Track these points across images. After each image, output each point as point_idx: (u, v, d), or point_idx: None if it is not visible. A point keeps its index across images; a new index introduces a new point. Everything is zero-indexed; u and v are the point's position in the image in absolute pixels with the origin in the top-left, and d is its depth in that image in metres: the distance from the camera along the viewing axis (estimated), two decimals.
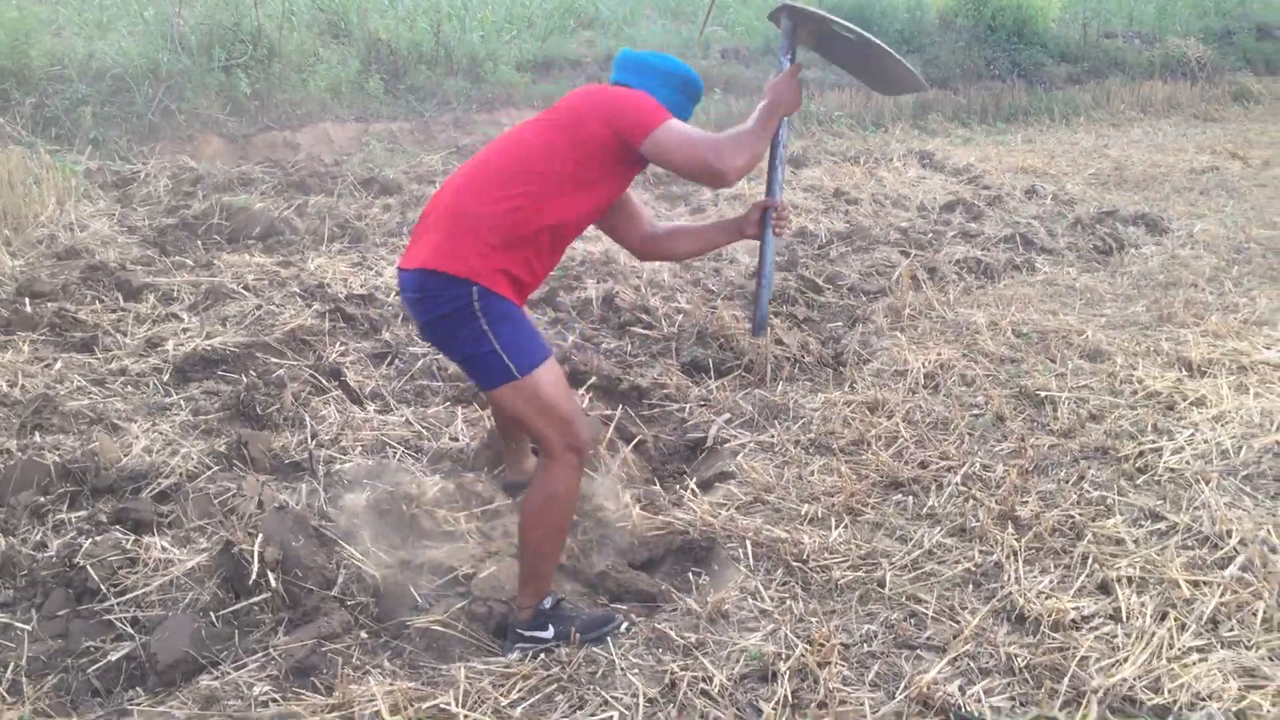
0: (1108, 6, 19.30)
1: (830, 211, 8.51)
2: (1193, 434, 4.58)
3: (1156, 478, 4.22)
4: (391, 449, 4.21)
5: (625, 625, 3.29)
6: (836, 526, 3.89)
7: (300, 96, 10.73)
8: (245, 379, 4.61)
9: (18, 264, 6.56)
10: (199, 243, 7.17)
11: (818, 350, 5.48)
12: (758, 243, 3.75)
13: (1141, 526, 3.86)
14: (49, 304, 5.69)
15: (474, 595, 3.32)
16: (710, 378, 5.20)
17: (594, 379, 4.93)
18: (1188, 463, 4.32)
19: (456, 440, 4.36)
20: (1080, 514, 3.91)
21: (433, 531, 3.65)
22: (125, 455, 4.01)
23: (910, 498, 4.12)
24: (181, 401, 4.63)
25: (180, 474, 3.91)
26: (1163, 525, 3.86)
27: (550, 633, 3.20)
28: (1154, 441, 4.50)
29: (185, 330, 5.58)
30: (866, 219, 8.31)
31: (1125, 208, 9.11)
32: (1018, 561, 3.60)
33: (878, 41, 3.42)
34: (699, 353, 5.36)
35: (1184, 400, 4.91)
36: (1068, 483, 4.18)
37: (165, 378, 4.90)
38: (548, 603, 3.23)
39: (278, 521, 3.44)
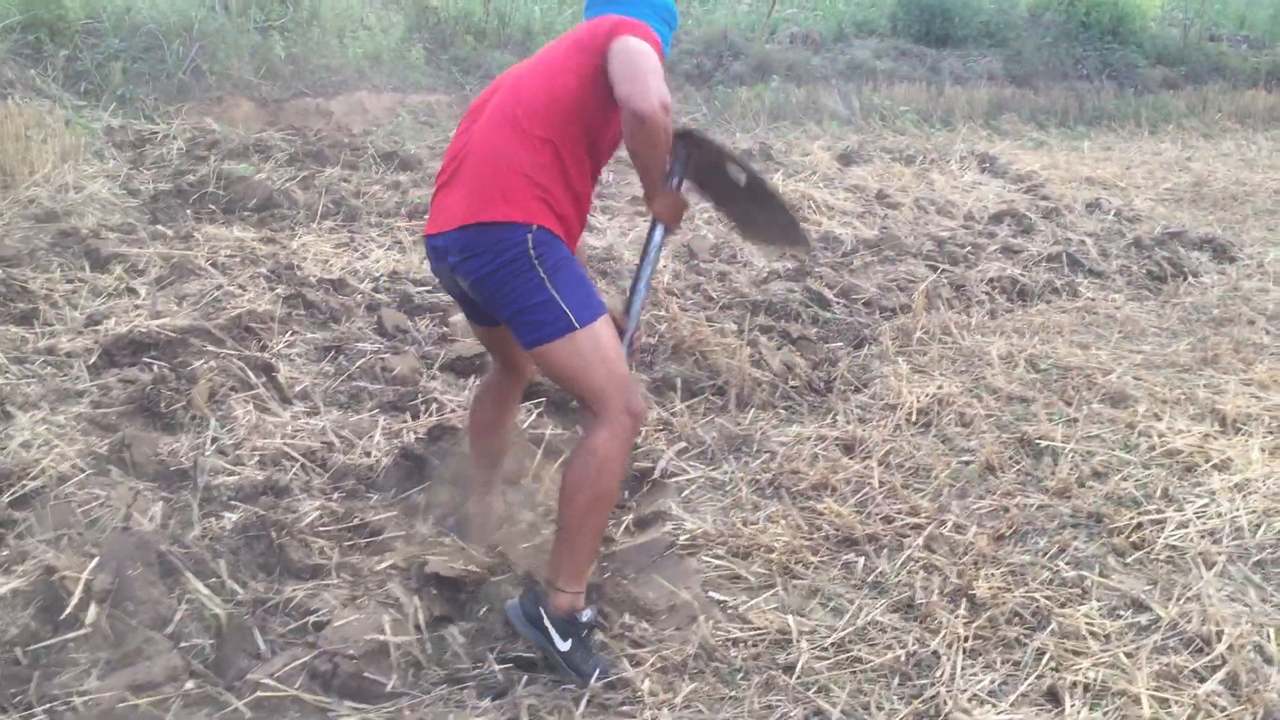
0: (1214, 8, 18.24)
1: (866, 215, 7.96)
2: (1207, 504, 4.01)
3: (1152, 556, 3.68)
4: (290, 462, 3.82)
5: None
6: (764, 592, 3.42)
7: (338, 63, 10.41)
8: (156, 370, 4.27)
9: None
10: (189, 212, 6.87)
11: (805, 373, 4.98)
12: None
13: (1118, 618, 3.32)
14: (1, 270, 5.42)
15: (320, 648, 2.92)
16: (677, 398, 4.73)
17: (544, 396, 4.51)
18: (1192, 540, 3.76)
19: (369, 455, 3.97)
20: (1049, 597, 3.39)
21: (300, 565, 3.26)
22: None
23: (862, 559, 3.63)
24: (95, 389, 4.30)
25: (51, 476, 3.57)
26: (1144, 618, 3.32)
27: (567, 647, 2.92)
28: (1158, 511, 3.94)
29: (137, 308, 5.26)
30: (903, 226, 7.74)
31: (1194, 229, 8.39)
32: (959, 653, 3.10)
33: (771, 189, 3.29)
34: (671, 369, 4.90)
35: (1206, 462, 4.34)
36: (1045, 555, 3.65)
37: (91, 360, 4.58)
38: (587, 615, 2.97)
39: (118, 544, 3.07)
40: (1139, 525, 3.84)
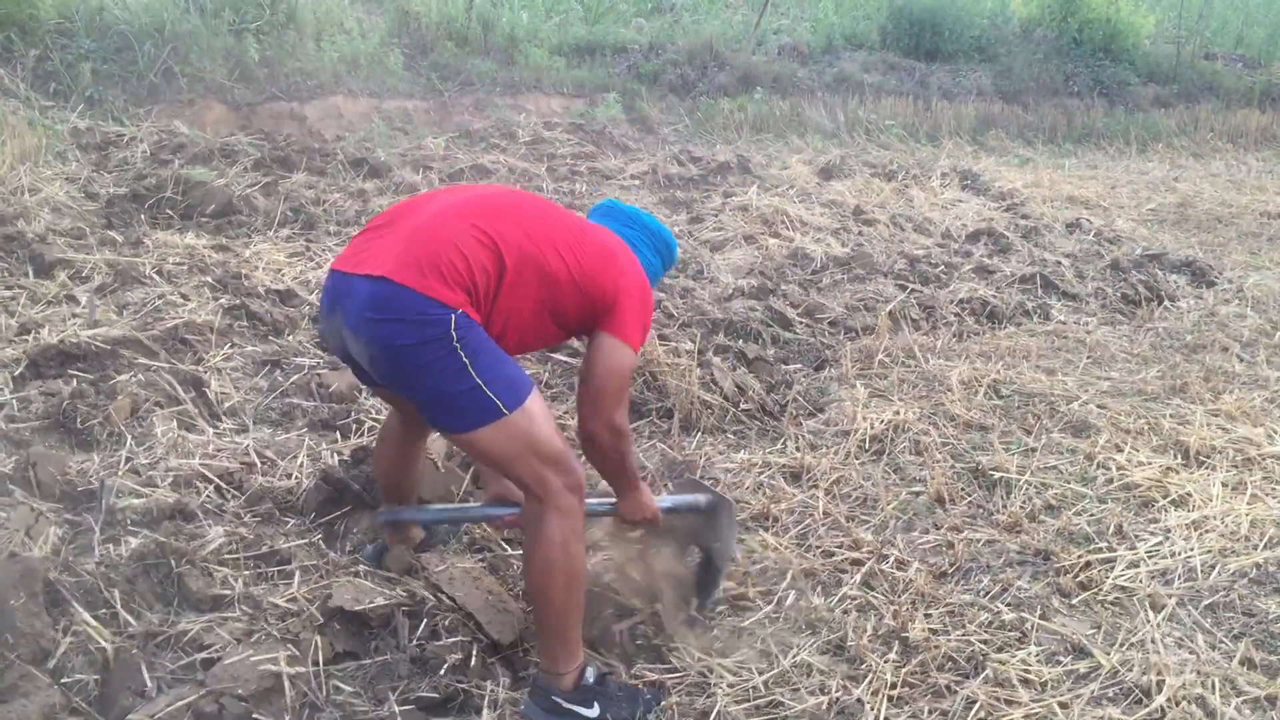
0: (1210, 26, 18.13)
1: (841, 232, 7.81)
2: (1160, 543, 3.86)
3: (1098, 597, 3.53)
4: (205, 484, 3.67)
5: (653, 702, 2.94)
6: (689, 631, 3.27)
7: (313, 67, 10.27)
8: (76, 384, 4.12)
9: None
10: (143, 216, 6.72)
11: (759, 396, 4.83)
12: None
13: (1056, 664, 3.17)
14: None
15: (208, 687, 2.76)
16: None
17: None
18: (1141, 581, 3.61)
19: (289, 478, 3.81)
20: (985, 640, 3.24)
21: (199, 596, 3.10)
22: None
23: (800, 594, 3.48)
24: (14, 401, 4.15)
25: None
26: (1083, 665, 3.17)
27: (595, 712, 2.83)
28: (1109, 549, 3.80)
29: (75, 317, 5.12)
30: (877, 244, 7.59)
31: (1175, 251, 8.25)
32: (884, 701, 2.96)
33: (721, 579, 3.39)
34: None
35: (1164, 497, 4.19)
36: (986, 595, 3.50)
37: (18, 371, 4.43)
38: (591, 675, 2.87)
39: (3, 571, 2.92)
40: (1087, 564, 3.69)
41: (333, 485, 3.66)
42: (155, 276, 5.59)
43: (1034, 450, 4.57)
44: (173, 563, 3.15)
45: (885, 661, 3.11)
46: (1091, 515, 4.05)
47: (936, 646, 3.18)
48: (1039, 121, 13.77)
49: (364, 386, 3.52)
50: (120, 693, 2.77)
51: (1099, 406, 5.05)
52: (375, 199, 7.59)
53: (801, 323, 5.82)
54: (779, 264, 6.85)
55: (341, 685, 2.90)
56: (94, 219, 6.72)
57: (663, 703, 2.94)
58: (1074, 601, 3.50)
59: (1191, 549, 3.81)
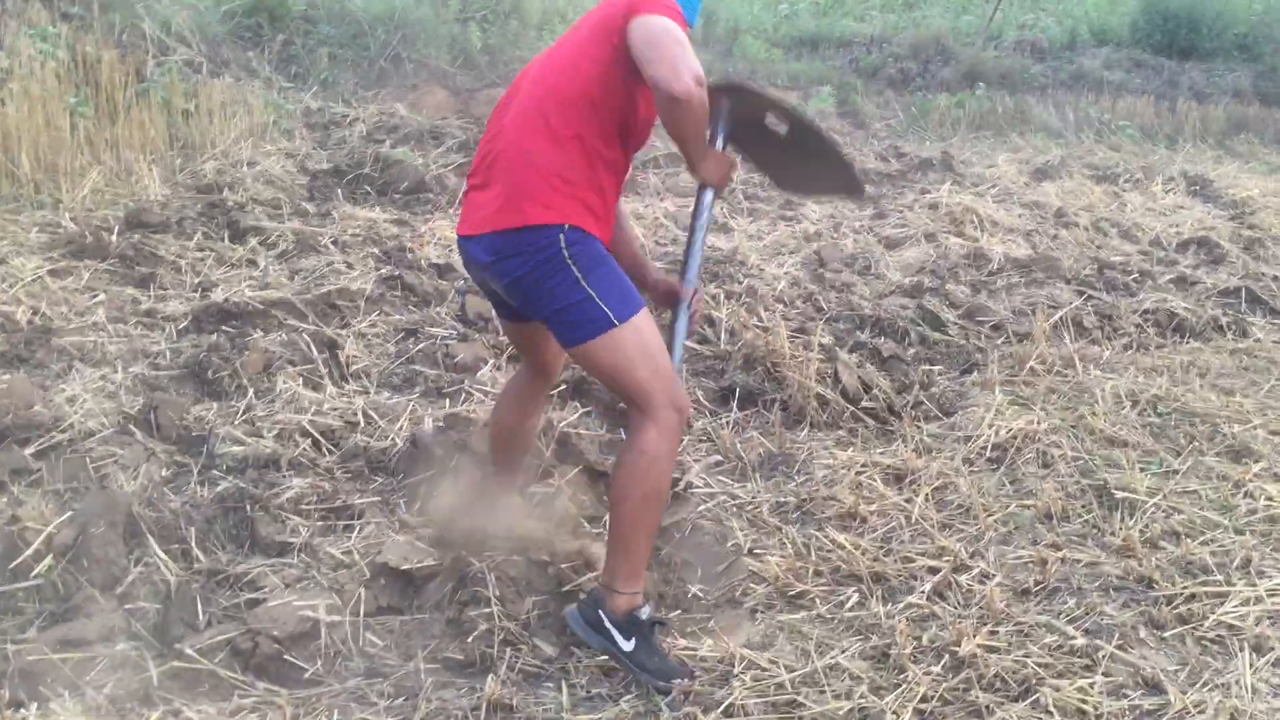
0: None
1: (1034, 234, 7.42)
2: None
3: (1196, 632, 3.24)
4: (303, 438, 3.87)
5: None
6: (741, 622, 3.21)
7: (531, 55, 10.56)
8: (215, 339, 4.43)
9: (161, 191, 6.74)
10: (339, 191, 7.13)
11: (884, 396, 4.68)
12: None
13: (1121, 697, 2.94)
14: (135, 235, 5.75)
15: (247, 625, 2.93)
16: (734, 409, 4.54)
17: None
18: (1252, 622, 3.29)
19: (386, 439, 3.97)
20: (1045, 664, 3.03)
21: (268, 541, 3.29)
22: (41, 402, 3.89)
23: (855, 598, 3.36)
24: (168, 352, 4.51)
25: (79, 431, 3.74)
26: (1151, 702, 2.92)
27: (631, 646, 2.90)
28: (1225, 582, 3.48)
29: (251, 279, 5.50)
30: (1070, 248, 7.18)
31: None
32: (911, 713, 2.82)
33: (817, 127, 3.22)
34: (739, 378, 4.70)
35: None
36: (1064, 616, 3.28)
37: (181, 325, 4.80)
38: (645, 613, 2.93)
39: (91, 501, 3.19)
40: (1192, 596, 3.39)
41: (418, 449, 3.80)
42: (330, 246, 5.92)
43: (1175, 473, 4.23)
44: (248, 508, 3.35)
45: (926, 674, 2.96)
46: (1220, 546, 3.72)
47: (987, 665, 3.00)
48: None
49: (507, 335, 3.74)
50: (174, 623, 2.98)
51: (1270, 432, 4.62)
52: None
53: (957, 324, 5.58)
54: (953, 263, 6.59)
55: (375, 639, 3.00)
56: (299, 191, 7.17)
57: (691, 681, 2.90)
58: (1165, 635, 3.23)
59: None
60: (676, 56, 2.70)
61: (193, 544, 3.22)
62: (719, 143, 3.18)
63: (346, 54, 10.20)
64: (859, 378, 4.70)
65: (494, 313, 3.48)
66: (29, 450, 3.60)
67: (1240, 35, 13.80)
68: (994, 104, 11.08)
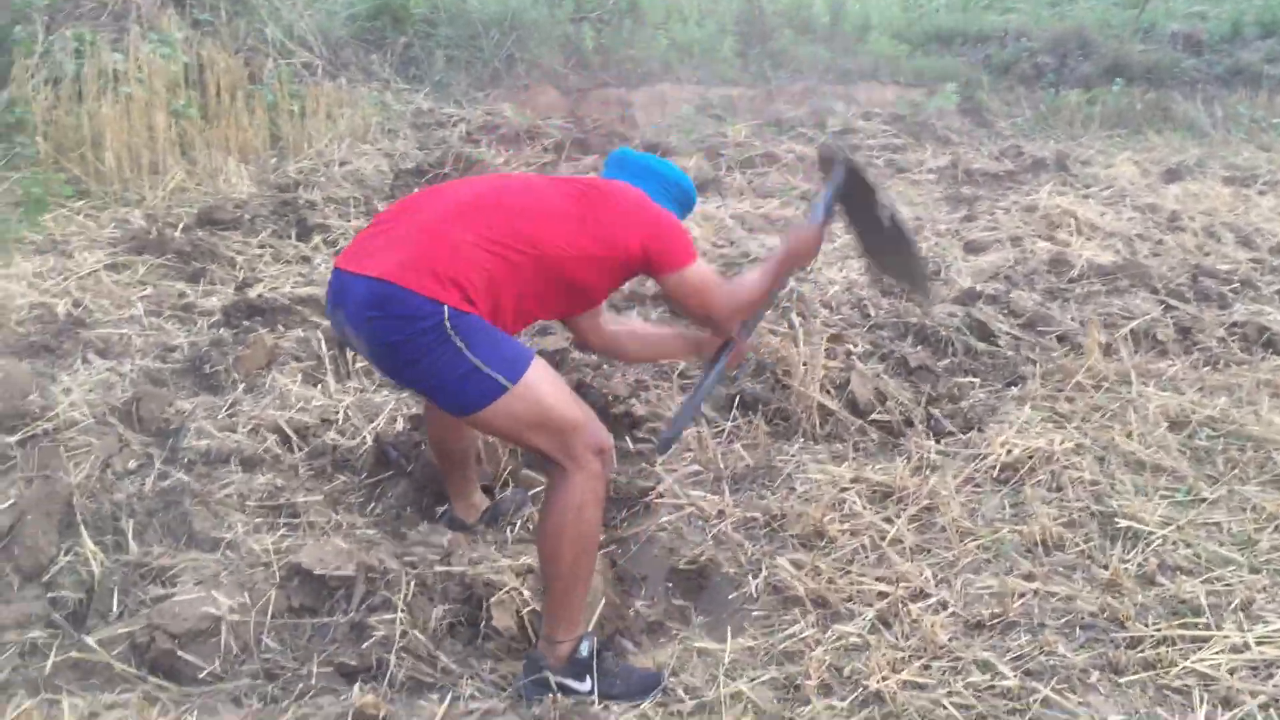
0: None
1: (1137, 239, 6.94)
2: None
3: (1159, 680, 2.94)
4: (271, 435, 3.91)
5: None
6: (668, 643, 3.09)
7: (644, 54, 10.55)
8: (219, 334, 4.54)
9: (248, 190, 6.99)
10: (415, 190, 7.23)
11: (901, 407, 4.44)
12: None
13: None
14: (200, 231, 5.96)
15: (150, 621, 2.97)
16: (734, 417, 4.38)
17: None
18: (1226, 671, 2.97)
19: (355, 438, 3.98)
20: (966, 705, 2.81)
21: (202, 536, 3.33)
22: (39, 392, 4.05)
23: (801, 623, 3.19)
24: (185, 345, 4.65)
25: (64, 420, 3.88)
26: None
27: (586, 686, 2.86)
28: (1208, 626, 3.15)
29: (301, 276, 5.63)
30: (1174, 254, 6.68)
31: None
32: None
33: (910, 238, 3.38)
34: (748, 386, 4.54)
35: None
36: (1010, 656, 3.03)
37: (213, 319, 4.95)
38: (585, 649, 2.89)
39: (36, 490, 3.29)
40: (1165, 639, 3.08)
41: (381, 449, 3.80)
42: None
43: (1202, 501, 3.87)
44: (186, 501, 3.41)
45: (828, 708, 2.78)
46: (1225, 584, 3.38)
47: (900, 703, 2.80)
48: None
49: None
50: (91, 614, 3.05)
51: None
52: None
53: (1010, 334, 5.25)
54: (1030, 270, 6.21)
55: (273, 642, 3.00)
56: (383, 191, 7.33)
57: (659, 689, 2.89)
58: (1123, 680, 2.94)
59: None
60: (722, 307, 3.15)
61: (129, 536, 3.29)
62: (821, 208, 3.39)
63: (462, 55, 10.39)
64: (875, 389, 4.47)
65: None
66: (15, 438, 3.75)
67: None
68: (1132, 100, 10.44)
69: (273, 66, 8.87)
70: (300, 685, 2.87)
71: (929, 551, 3.58)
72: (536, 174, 3.07)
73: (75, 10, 9.12)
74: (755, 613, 3.26)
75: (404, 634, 2.98)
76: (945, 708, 2.78)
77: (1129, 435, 4.30)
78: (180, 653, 2.89)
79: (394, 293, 2.68)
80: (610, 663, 2.93)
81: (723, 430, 4.30)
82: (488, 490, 3.67)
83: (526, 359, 2.78)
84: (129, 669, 2.87)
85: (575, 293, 3.03)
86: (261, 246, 6.00)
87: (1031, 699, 2.84)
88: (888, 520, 3.72)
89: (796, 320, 5.05)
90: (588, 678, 2.85)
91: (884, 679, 2.87)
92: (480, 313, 2.75)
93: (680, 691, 2.86)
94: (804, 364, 4.51)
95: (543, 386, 2.77)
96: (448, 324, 2.66)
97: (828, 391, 4.38)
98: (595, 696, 2.83)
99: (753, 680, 2.91)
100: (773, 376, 4.54)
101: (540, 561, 2.90)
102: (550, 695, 2.76)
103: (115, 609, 3.06)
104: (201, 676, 2.88)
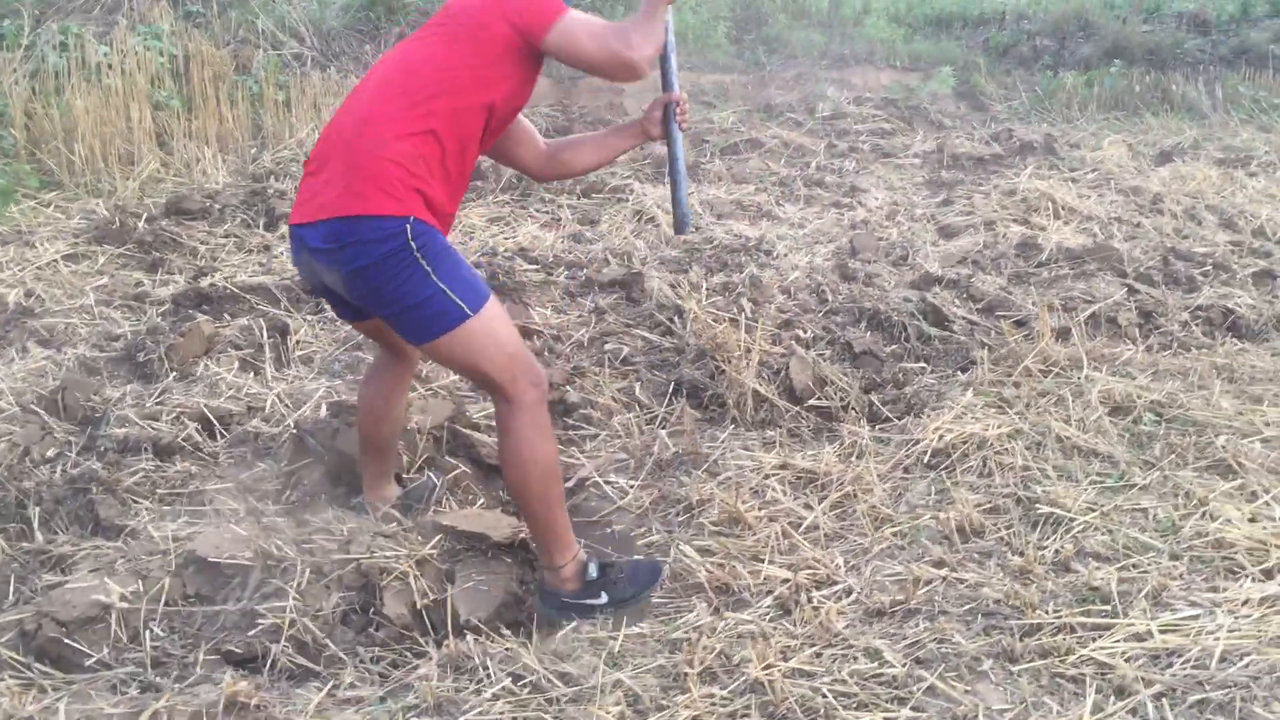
0: None
1: (1115, 223, 6.84)
2: (1195, 617, 3.09)
3: (1053, 669, 2.89)
4: (193, 423, 3.92)
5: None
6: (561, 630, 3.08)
7: None
8: (155, 322, 4.56)
9: (224, 180, 7.03)
10: None
11: (839, 394, 4.40)
12: None
13: None
14: (164, 222, 6.00)
15: (39, 609, 2.98)
16: (670, 404, 4.35)
17: None
18: (1130, 659, 2.91)
19: (279, 425, 3.98)
20: (848, 694, 2.77)
21: (108, 524, 3.35)
22: None
23: (699, 610, 3.17)
24: (129, 334, 4.67)
25: None
26: None
27: (604, 599, 3.12)
28: (1112, 614, 3.09)
29: (259, 265, 5.66)
30: (1150, 237, 6.59)
31: None
32: None
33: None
34: (687, 373, 4.52)
35: (1258, 564, 3.35)
36: (903, 643, 2.99)
37: (163, 308, 4.98)
38: (593, 570, 3.13)
39: None
40: (1064, 627, 3.04)
41: (299, 437, 3.80)
42: None
43: (1132, 488, 3.81)
44: (94, 490, 3.43)
45: (706, 697, 2.76)
46: (1140, 571, 3.32)
47: (781, 691, 2.77)
48: None
49: (347, 323, 3.67)
50: None
51: (1267, 445, 4.11)
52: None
53: (966, 319, 5.20)
54: (999, 254, 6.14)
55: (161, 630, 3.00)
56: None
57: (662, 575, 3.24)
58: (1015, 669, 2.89)
59: (1234, 630, 3.02)
60: (606, 47, 2.83)
61: (34, 524, 3.32)
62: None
63: None
64: (814, 374, 4.44)
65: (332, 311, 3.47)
66: None
67: None
68: (1130, 82, 10.29)
69: (262, 57, 8.92)
70: (185, 674, 2.87)
71: (845, 539, 3.55)
72: (421, 32, 3.00)
73: (68, 4, 9.23)
74: (654, 600, 3.23)
75: (292, 622, 2.98)
76: (825, 696, 2.75)
77: (1067, 421, 4.24)
78: (67, 640, 2.90)
79: (346, 225, 2.76)
80: (616, 571, 3.16)
81: (655, 416, 4.27)
82: (399, 480, 3.67)
83: (486, 290, 2.89)
84: (17, 657, 2.88)
85: (490, 112, 2.92)
86: (226, 236, 6.03)
87: (916, 687, 2.80)
88: (807, 507, 3.69)
89: (748, 305, 5.02)
90: (604, 591, 3.10)
91: (767, 668, 2.84)
92: (437, 193, 2.83)
93: (558, 681, 2.84)
94: (746, 350, 4.47)
95: (497, 321, 2.89)
96: (412, 243, 2.75)
97: (764, 378, 4.34)
98: (615, 609, 3.10)
99: (637, 669, 2.89)
100: (712, 363, 4.51)
101: (514, 498, 3.15)
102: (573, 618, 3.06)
103: (11, 597, 3.08)
104: (88, 664, 2.89)
